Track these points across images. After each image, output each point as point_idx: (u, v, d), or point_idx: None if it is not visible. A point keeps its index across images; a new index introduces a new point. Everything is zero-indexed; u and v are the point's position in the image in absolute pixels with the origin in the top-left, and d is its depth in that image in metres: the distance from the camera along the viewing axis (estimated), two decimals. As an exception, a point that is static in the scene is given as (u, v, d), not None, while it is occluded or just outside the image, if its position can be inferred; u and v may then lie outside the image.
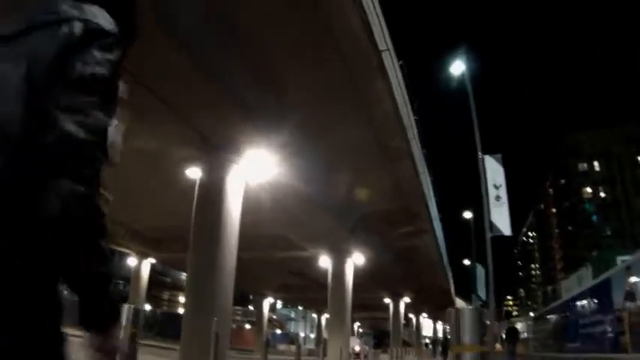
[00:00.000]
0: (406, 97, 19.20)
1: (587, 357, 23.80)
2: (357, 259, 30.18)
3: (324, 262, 30.73)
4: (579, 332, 28.32)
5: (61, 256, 1.52)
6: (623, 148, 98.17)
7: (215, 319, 12.65)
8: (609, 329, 22.21)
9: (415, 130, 20.86)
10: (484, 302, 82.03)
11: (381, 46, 14.86)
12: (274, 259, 34.65)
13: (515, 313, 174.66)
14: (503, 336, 36.87)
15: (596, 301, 25.06)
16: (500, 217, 25.73)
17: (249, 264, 37.00)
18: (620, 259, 38.29)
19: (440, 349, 60.17)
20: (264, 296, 55.91)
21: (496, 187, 26.45)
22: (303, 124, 16.79)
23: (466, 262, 70.40)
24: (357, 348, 43.26)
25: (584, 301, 27.08)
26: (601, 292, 24.19)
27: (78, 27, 1.71)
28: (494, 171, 26.80)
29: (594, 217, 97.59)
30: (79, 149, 1.53)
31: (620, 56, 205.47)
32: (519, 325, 49.87)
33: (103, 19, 1.82)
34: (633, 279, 18.92)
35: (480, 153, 27.18)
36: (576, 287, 41.02)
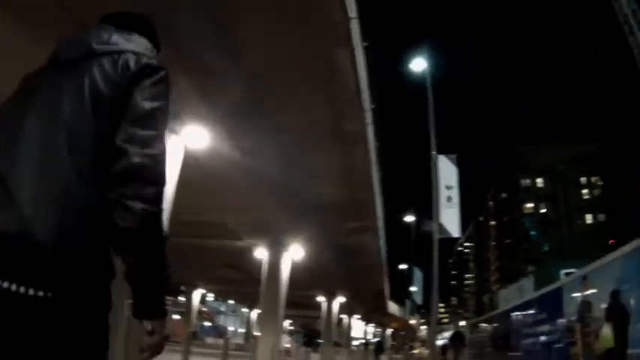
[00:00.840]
0: (367, 80, 17.53)
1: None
2: (295, 253, 28.24)
3: (260, 254, 28.74)
4: (523, 342, 27.30)
5: (132, 259, 1.98)
6: (568, 167, 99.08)
7: (128, 301, 10.60)
8: (557, 339, 21.19)
9: (372, 118, 19.13)
10: (419, 307, 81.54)
11: (351, 14, 13.27)
12: (209, 248, 32.51)
13: (445, 320, 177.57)
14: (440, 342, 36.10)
15: (543, 310, 24.00)
16: (451, 219, 24.59)
17: (182, 252, 34.98)
18: (563, 272, 38.01)
19: (373, 351, 59.59)
20: (195, 287, 53.57)
21: (448, 188, 25.31)
22: (254, 96, 14.98)
23: (401, 266, 70.13)
24: (288, 345, 42.04)
25: (530, 311, 26.04)
26: (550, 301, 23.15)
27: (132, 60, 2.11)
28: (447, 171, 25.66)
29: (533, 233, 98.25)
30: (145, 177, 1.93)
31: (576, 78, 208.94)
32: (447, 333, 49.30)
33: (152, 52, 2.36)
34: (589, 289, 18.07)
35: (433, 152, 25.89)
36: (516, 297, 40.52)
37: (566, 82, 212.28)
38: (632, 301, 14.32)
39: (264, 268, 27.94)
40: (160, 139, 2.02)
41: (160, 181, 1.98)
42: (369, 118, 18.11)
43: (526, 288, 39.76)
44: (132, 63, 2.07)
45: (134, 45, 2.21)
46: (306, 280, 40.56)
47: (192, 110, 14.25)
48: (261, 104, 15.69)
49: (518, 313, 28.45)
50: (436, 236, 24.28)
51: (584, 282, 18.99)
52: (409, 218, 51.84)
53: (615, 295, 13.50)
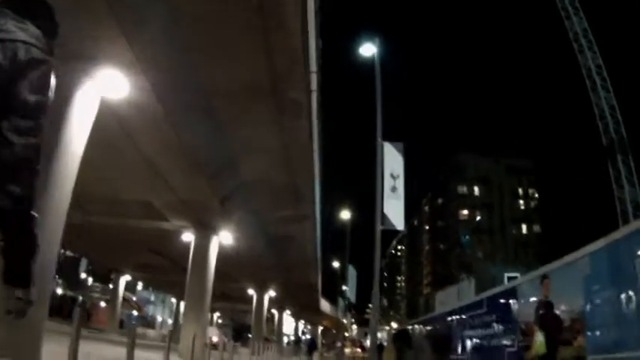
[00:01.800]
0: (315, 39, 15.29)
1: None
2: (224, 238, 25.77)
3: (188, 238, 26.20)
4: (468, 344, 25.49)
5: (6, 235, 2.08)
6: (505, 178, 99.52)
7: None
8: (509, 343, 19.40)
9: (317, 85, 16.87)
10: (351, 306, 79.87)
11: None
12: (134, 230, 29.87)
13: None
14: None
15: (494, 311, 22.16)
16: (394, 210, 22.54)
17: (105, 233, 32.30)
18: (507, 275, 36.62)
19: (305, 348, 57.75)
20: (122, 273, 50.50)
21: (393, 177, 23.26)
22: (186, 48, 12.65)
23: (335, 264, 68.06)
24: (215, 339, 39.55)
25: (478, 311, 24.23)
26: (502, 302, 21.35)
27: (22, 51, 2.13)
28: (393, 159, 23.66)
29: (466, 239, 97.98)
30: (26, 167, 2.07)
31: (518, 92, 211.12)
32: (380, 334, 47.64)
33: (41, 41, 2.27)
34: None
35: (379, 138, 23.92)
36: (454, 300, 38.91)
37: (507, 95, 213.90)
38: (604, 300, 12.74)
39: (191, 252, 25.48)
40: (41, 130, 2.14)
41: (37, 170, 2.13)
42: (314, 83, 15.86)
43: (466, 291, 37.98)
44: (21, 53, 2.12)
45: (25, 35, 2.20)
46: (236, 271, 38.34)
47: (114, 55, 11.78)
48: (192, 60, 13.40)
49: (463, 314, 26.55)
50: (378, 227, 22.26)
51: (544, 282, 17.14)
52: (345, 214, 49.48)
53: (548, 305, 14.23)
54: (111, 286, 57.82)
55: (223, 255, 26.83)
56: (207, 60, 13.73)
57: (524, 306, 18.70)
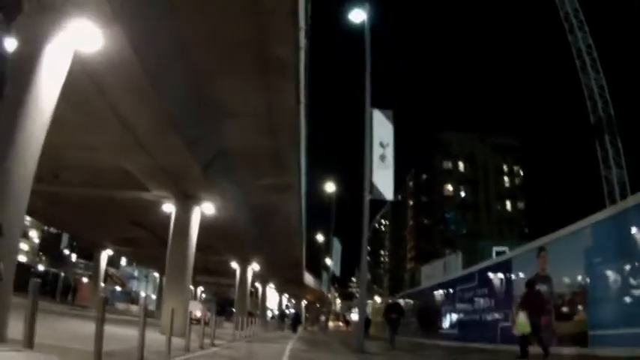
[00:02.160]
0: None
1: (471, 347, 19.95)
2: (206, 208, 24.65)
3: (169, 209, 25.04)
4: (457, 319, 24.68)
5: None
6: (490, 155, 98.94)
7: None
8: (502, 317, 18.67)
9: (306, 43, 15.64)
10: (336, 279, 78.92)
11: None
12: (113, 201, 28.94)
13: (357, 295, 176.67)
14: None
15: (486, 285, 21.31)
16: (384, 179, 21.60)
17: (85, 205, 31.17)
18: (495, 249, 35.97)
19: (289, 322, 57.20)
20: (103, 248, 49.10)
21: (382, 146, 22.28)
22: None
23: (319, 237, 66.96)
24: (199, 314, 38.46)
25: (468, 285, 23.40)
26: (495, 275, 20.55)
27: None
28: (382, 127, 22.68)
29: (451, 216, 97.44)
30: None
31: (506, 70, 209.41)
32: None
33: None
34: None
35: (368, 105, 22.84)
36: (441, 274, 38.20)
37: (495, 73, 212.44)
38: (607, 273, 11.99)
39: (172, 222, 24.38)
40: None
41: None
42: (302, 40, 14.66)
43: (453, 265, 37.20)
44: None
45: None
46: (219, 243, 37.30)
47: (88, 6, 10.63)
48: (171, 8, 12.24)
49: (452, 287, 25.67)
50: (367, 197, 21.31)
51: (540, 254, 16.31)
52: (330, 186, 48.43)
53: (530, 284, 14.54)
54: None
55: (205, 226, 25.76)
56: (187, 9, 12.55)
57: (519, 279, 17.91)
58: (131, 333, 15.42)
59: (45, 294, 43.09)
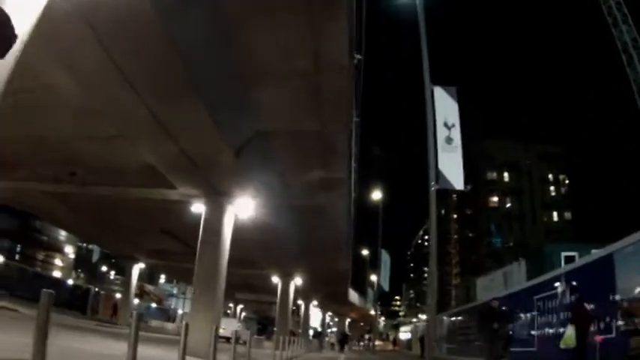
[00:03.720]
0: None
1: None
2: (241, 208, 20.73)
3: (198, 209, 21.19)
4: (537, 333, 20.23)
5: None
6: (535, 164, 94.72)
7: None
8: (606, 327, 14.23)
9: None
10: (384, 295, 74.61)
11: None
12: (138, 204, 25.49)
13: (401, 313, 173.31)
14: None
15: (571, 291, 16.96)
16: (451, 165, 17.87)
17: (108, 209, 27.98)
18: (564, 254, 32.75)
19: (328, 341, 54.78)
20: (135, 261, 45.60)
21: (447, 127, 18.43)
22: None
23: (364, 252, 62.66)
24: (229, 332, 34.71)
25: (550, 292, 19.03)
26: (588, 277, 16.23)
27: None
28: (446, 106, 19.01)
29: (495, 230, 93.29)
30: None
31: (548, 78, 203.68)
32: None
33: None
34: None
35: (427, 81, 19.15)
36: (500, 285, 33.92)
37: (536, 77, 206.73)
38: None
39: (202, 225, 20.56)
40: None
41: None
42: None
43: (515, 274, 32.90)
44: None
45: None
46: (258, 254, 33.37)
47: None
48: None
49: (529, 296, 21.21)
50: (434, 186, 17.56)
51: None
52: (377, 194, 44.67)
53: (579, 299, 14.28)
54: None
55: (241, 232, 22.04)
56: None
57: (627, 279, 13.83)
58: (154, 353, 12.31)
59: (74, 308, 42.40)
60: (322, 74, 13.86)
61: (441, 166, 17.97)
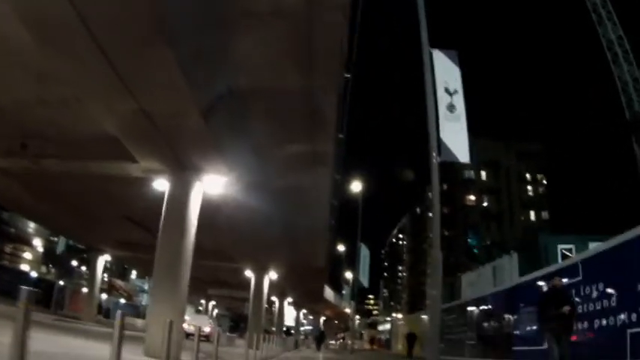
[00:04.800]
0: None
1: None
2: (210, 183, 17.73)
3: (162, 186, 18.12)
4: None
5: None
6: (513, 162, 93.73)
7: None
8: (635, 320, 12.08)
9: None
10: (363, 291, 72.13)
11: None
12: (97, 182, 22.66)
13: (375, 312, 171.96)
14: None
15: (597, 279, 14.27)
16: (455, 135, 15.02)
17: (65, 190, 25.10)
18: (561, 247, 31.46)
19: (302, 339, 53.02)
20: (100, 252, 42.47)
21: (449, 93, 15.74)
22: None
23: (339, 247, 59.72)
24: (207, 329, 33.18)
25: (566, 282, 16.33)
26: (611, 265, 13.62)
27: None
28: (447, 71, 16.28)
29: (474, 227, 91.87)
30: None
31: (527, 76, 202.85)
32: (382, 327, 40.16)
33: None
34: None
35: (425, 40, 16.59)
36: (490, 282, 31.35)
37: (516, 75, 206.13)
38: None
39: (165, 204, 17.48)
40: None
41: None
42: None
43: (507, 269, 30.30)
44: None
45: None
46: (229, 243, 30.36)
47: None
48: None
49: (537, 287, 18.46)
50: (436, 158, 14.88)
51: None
52: (356, 186, 41.95)
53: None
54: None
55: (212, 219, 19.27)
56: None
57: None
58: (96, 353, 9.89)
59: (38, 303, 38.65)
60: (314, 12, 11.04)
61: (443, 137, 15.26)
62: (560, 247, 30.39)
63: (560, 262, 19.08)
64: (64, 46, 10.82)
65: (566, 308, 11.96)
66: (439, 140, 15.08)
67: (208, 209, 18.44)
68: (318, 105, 14.97)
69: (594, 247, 16.90)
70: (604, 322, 13.52)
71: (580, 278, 15.45)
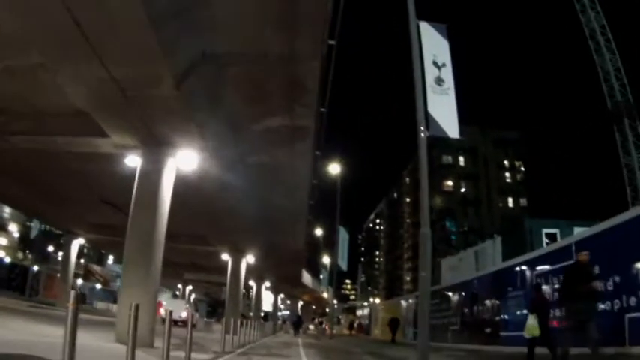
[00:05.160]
0: None
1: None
2: (184, 159, 16.62)
3: (134, 163, 16.98)
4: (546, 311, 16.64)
5: None
6: (491, 149, 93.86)
7: None
8: (634, 304, 11.87)
9: None
10: (342, 275, 71.49)
11: None
12: (66, 160, 21.44)
13: (352, 297, 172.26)
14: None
15: (596, 261, 13.42)
16: (443, 110, 15.02)
17: (35, 169, 23.99)
18: (545, 231, 31.31)
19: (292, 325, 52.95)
20: (74, 235, 41.20)
21: (437, 66, 15.43)
22: None
23: (317, 231, 58.70)
24: (184, 314, 33.12)
25: (558, 265, 15.62)
26: (612, 245, 13.24)
27: None
28: (434, 43, 15.92)
29: (451, 224, 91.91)
30: None
31: (505, 63, 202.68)
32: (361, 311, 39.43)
33: None
34: None
35: (412, 15, 15.71)
36: (472, 266, 30.72)
37: (496, 61, 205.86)
38: None
39: (136, 181, 16.38)
40: None
41: None
42: None
43: (489, 253, 29.70)
44: None
45: None
46: (206, 227, 29.29)
47: None
48: None
49: (527, 272, 17.68)
50: (423, 132, 13.97)
51: None
52: (334, 168, 41.06)
53: (537, 288, 14.85)
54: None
55: (187, 197, 18.25)
56: None
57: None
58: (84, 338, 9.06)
59: (13, 289, 40.61)
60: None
61: (431, 110, 14.35)
62: (545, 231, 29.80)
63: (555, 243, 18.31)
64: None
65: (597, 283, 11.63)
66: (427, 114, 14.20)
67: (182, 188, 17.42)
68: (300, 74, 13.94)
69: (590, 228, 16.02)
70: (601, 306, 12.79)
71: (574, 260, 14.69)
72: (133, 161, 16.88)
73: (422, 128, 13.77)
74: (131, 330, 7.51)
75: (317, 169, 25.68)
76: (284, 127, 17.08)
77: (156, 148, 16.08)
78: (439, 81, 15.08)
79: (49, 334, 11.91)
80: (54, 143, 18.99)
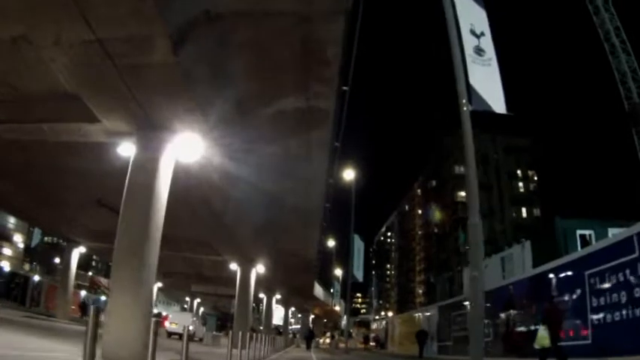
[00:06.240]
0: None
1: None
2: (184, 147, 14.41)
3: (128, 152, 14.78)
4: (596, 321, 14.43)
5: None
6: (502, 157, 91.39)
7: None
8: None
9: None
10: (358, 286, 69.41)
11: None
12: (57, 154, 19.36)
13: (363, 310, 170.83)
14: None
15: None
16: (486, 81, 13.38)
17: (25, 164, 21.55)
18: (579, 232, 29.46)
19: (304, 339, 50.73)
20: (74, 244, 38.94)
21: (476, 35, 13.59)
22: None
23: (329, 243, 56.59)
24: (191, 328, 28.89)
25: (614, 262, 13.28)
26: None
27: None
28: (471, 12, 14.00)
29: (464, 223, 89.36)
30: None
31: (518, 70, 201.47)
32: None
33: None
34: None
35: None
36: (498, 274, 28.45)
37: (507, 67, 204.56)
38: None
39: (130, 168, 14.16)
40: None
41: None
42: None
43: (516, 259, 27.46)
44: None
45: None
46: (211, 230, 26.98)
47: None
48: None
49: (578, 271, 15.28)
50: (466, 107, 11.70)
51: None
52: (349, 174, 38.97)
53: (551, 300, 14.92)
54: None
55: (184, 193, 16.20)
56: None
57: None
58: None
59: (12, 299, 39.06)
60: None
61: (473, 83, 12.18)
62: (579, 232, 27.63)
63: (607, 239, 16.02)
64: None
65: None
66: (468, 85, 12.01)
67: (183, 183, 15.27)
68: (318, 38, 11.66)
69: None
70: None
71: (636, 255, 12.41)
72: (127, 150, 14.71)
73: (464, 101, 11.58)
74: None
75: (335, 165, 23.21)
76: (298, 111, 14.77)
77: (151, 132, 13.85)
78: (479, 51, 13.01)
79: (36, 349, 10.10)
80: (40, 130, 16.76)
